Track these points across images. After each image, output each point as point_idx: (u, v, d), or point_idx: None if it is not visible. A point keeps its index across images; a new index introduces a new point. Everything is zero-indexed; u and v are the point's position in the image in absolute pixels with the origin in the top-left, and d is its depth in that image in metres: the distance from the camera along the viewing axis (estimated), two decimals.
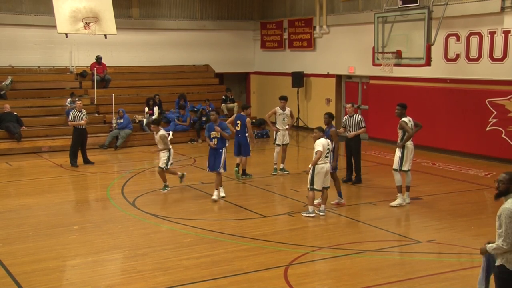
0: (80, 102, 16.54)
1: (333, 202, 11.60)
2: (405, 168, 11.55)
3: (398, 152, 11.59)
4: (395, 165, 11.59)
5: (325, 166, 10.69)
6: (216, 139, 12.17)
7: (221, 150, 12.18)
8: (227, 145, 12.39)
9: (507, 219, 5.63)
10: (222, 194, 12.34)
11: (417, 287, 7.65)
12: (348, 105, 13.58)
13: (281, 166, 14.70)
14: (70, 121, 16.02)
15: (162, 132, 12.94)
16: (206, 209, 11.60)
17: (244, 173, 14.24)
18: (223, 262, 8.57)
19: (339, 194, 11.72)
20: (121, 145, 18.97)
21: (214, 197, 12.09)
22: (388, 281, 7.78)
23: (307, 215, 10.78)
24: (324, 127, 11.39)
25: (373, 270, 8.29)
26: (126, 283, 7.86)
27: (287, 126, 14.72)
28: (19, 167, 16.43)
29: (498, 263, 5.80)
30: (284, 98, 14.92)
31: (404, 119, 11.65)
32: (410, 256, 8.91)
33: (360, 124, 13.21)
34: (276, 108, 14.83)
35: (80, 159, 16.21)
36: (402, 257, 9.00)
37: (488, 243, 5.92)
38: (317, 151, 10.52)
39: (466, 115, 16.70)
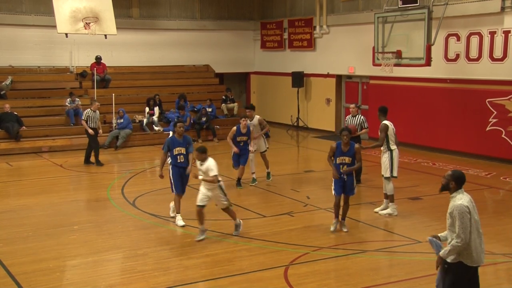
0: (98, 103, 16.46)
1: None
2: (395, 173, 11.01)
3: (385, 158, 11.01)
4: (386, 172, 10.94)
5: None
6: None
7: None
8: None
9: (460, 215, 5.69)
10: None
11: (417, 287, 7.66)
12: (352, 105, 13.52)
13: (268, 169, 14.04)
14: (83, 119, 16.01)
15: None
16: (206, 209, 11.54)
17: (238, 182, 13.42)
18: (223, 262, 8.57)
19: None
20: (121, 145, 18.97)
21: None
22: (388, 281, 7.78)
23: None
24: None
25: (373, 270, 8.30)
26: (126, 283, 7.87)
27: (257, 134, 13.66)
28: (19, 167, 16.43)
29: (453, 260, 5.78)
30: (250, 107, 14.20)
31: (386, 122, 11.24)
32: (410, 256, 8.91)
33: (363, 125, 13.17)
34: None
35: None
36: (402, 257, 8.99)
37: (434, 237, 5.97)
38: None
39: (466, 115, 16.70)
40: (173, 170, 10.43)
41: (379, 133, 11.21)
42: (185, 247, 9.23)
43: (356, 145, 9.89)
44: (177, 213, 10.46)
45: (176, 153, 10.39)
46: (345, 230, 9.99)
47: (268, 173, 14.03)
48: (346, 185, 9.91)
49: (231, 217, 9.86)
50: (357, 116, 13.23)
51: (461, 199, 5.79)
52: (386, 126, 11.06)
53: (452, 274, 5.83)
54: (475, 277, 5.93)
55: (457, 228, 5.67)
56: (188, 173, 10.46)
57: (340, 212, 10.05)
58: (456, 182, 5.87)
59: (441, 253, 5.80)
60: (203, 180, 9.37)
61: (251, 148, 13.15)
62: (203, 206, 9.56)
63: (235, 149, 12.87)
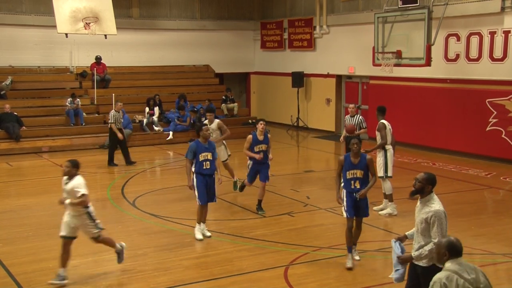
0: (120, 104, 16.38)
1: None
2: (390, 173, 11.00)
3: (379, 158, 10.99)
4: (380, 172, 10.81)
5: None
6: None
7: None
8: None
9: (439, 220, 5.61)
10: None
11: None
12: (351, 105, 13.45)
13: (234, 179, 12.76)
14: (111, 122, 15.92)
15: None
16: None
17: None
18: (223, 262, 8.57)
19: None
20: None
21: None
22: (388, 281, 7.77)
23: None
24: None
25: (373, 270, 8.30)
26: (126, 283, 7.87)
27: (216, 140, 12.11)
28: (19, 167, 16.43)
29: (426, 264, 5.74)
30: (210, 111, 13.03)
31: (383, 121, 11.27)
32: None
33: (361, 125, 13.14)
34: (205, 121, 12.71)
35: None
36: None
37: (398, 240, 5.98)
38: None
39: (466, 115, 16.70)
40: (197, 178, 9.49)
41: (377, 133, 11.23)
42: (185, 247, 9.23)
43: (368, 156, 8.48)
44: (198, 223, 9.69)
45: (202, 159, 9.48)
46: (357, 258, 8.53)
47: (235, 183, 12.70)
48: (359, 205, 8.42)
49: (108, 245, 8.26)
50: (356, 116, 13.17)
51: (438, 204, 5.70)
52: (384, 125, 11.12)
53: (425, 278, 5.77)
54: None
55: (436, 234, 5.58)
56: (220, 182, 9.88)
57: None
58: (432, 185, 5.73)
59: (414, 255, 5.73)
60: (70, 204, 7.79)
61: (270, 155, 11.23)
62: (68, 238, 7.74)
63: (257, 155, 10.84)
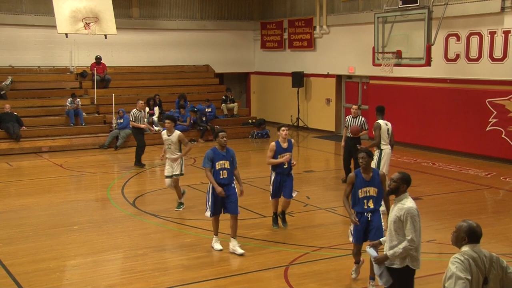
0: (142, 102, 16.32)
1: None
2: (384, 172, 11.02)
3: (375, 158, 10.84)
4: None
5: None
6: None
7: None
8: None
9: (411, 218, 5.65)
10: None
11: (417, 287, 7.63)
12: (354, 106, 13.35)
13: (179, 200, 11.55)
14: (132, 121, 15.89)
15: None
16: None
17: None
18: (223, 262, 8.57)
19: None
20: (121, 145, 18.97)
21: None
22: None
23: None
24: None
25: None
26: (126, 283, 7.87)
27: (177, 155, 11.33)
28: (19, 167, 16.43)
29: (400, 265, 5.78)
30: (169, 118, 11.58)
31: (380, 121, 11.26)
32: None
33: (363, 126, 13.07)
34: (162, 132, 11.68)
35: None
36: None
37: (372, 246, 6.11)
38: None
39: (466, 115, 16.70)
40: (213, 188, 8.84)
41: (373, 132, 11.24)
42: (185, 247, 9.23)
43: (381, 172, 7.65)
44: (215, 235, 9.09)
45: (219, 167, 8.81)
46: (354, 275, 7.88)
47: (180, 203, 11.47)
48: (370, 228, 7.37)
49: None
50: (358, 117, 13.14)
51: (411, 202, 5.75)
52: (379, 125, 11.14)
53: (399, 280, 5.85)
54: (413, 280, 5.99)
55: (409, 232, 5.63)
56: (241, 194, 9.00)
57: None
58: (407, 184, 5.79)
59: (389, 254, 5.77)
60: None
61: (294, 161, 10.09)
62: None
63: (283, 158, 9.72)
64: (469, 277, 4.39)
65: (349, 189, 7.43)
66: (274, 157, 9.74)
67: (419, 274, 7.93)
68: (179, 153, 11.35)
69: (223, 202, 8.87)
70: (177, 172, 11.42)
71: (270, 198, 10.11)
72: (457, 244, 4.66)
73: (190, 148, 11.62)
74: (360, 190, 7.33)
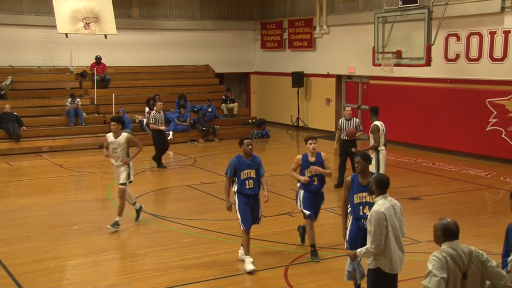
0: (161, 103, 16.04)
1: None
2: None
3: (373, 161, 10.83)
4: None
5: None
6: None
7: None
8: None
9: (376, 221, 5.67)
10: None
11: (417, 287, 7.65)
12: (348, 108, 13.19)
13: (117, 218, 10.07)
14: (151, 123, 15.67)
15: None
16: (206, 209, 11.59)
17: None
18: (223, 262, 8.57)
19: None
20: None
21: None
22: None
23: None
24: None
25: None
26: (126, 283, 7.87)
27: (124, 160, 10.07)
28: (19, 167, 16.43)
29: (372, 266, 5.88)
30: (115, 120, 10.28)
31: (377, 123, 11.21)
32: (410, 256, 8.89)
33: (358, 128, 12.90)
34: (107, 135, 10.42)
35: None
36: None
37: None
38: None
39: (466, 115, 16.70)
40: (239, 199, 8.23)
41: (370, 134, 11.22)
42: (185, 247, 9.23)
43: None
44: (246, 255, 8.27)
45: (244, 177, 8.18)
46: None
47: (116, 222, 10.03)
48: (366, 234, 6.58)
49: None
50: (352, 119, 12.90)
51: (380, 205, 5.76)
52: (378, 127, 11.09)
53: (370, 281, 5.95)
54: (393, 284, 5.98)
55: (372, 234, 5.68)
56: (266, 199, 8.39)
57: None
58: (378, 185, 5.81)
59: (358, 251, 5.97)
60: None
61: (329, 170, 8.92)
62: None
63: (302, 178, 8.58)
64: (445, 275, 4.47)
65: (346, 194, 7.20)
66: (301, 171, 8.62)
67: (419, 274, 7.94)
68: (126, 158, 10.09)
69: (251, 213, 8.29)
70: (123, 181, 10.06)
71: (308, 218, 8.60)
72: (438, 243, 4.71)
73: (141, 149, 10.37)
74: (355, 196, 7.02)
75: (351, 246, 7.00)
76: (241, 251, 8.49)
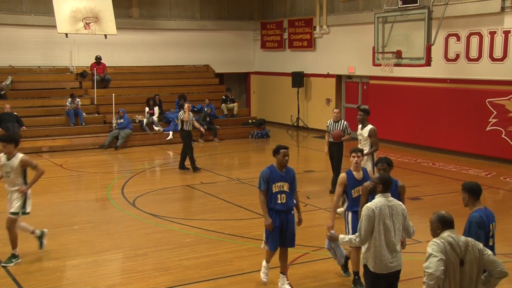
0: (188, 104, 15.76)
1: None
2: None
3: (368, 163, 10.60)
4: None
5: None
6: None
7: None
8: None
9: (364, 216, 5.73)
10: None
11: (417, 287, 7.65)
12: (336, 110, 12.60)
13: (13, 251, 8.56)
14: (182, 118, 15.19)
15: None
16: (206, 209, 11.60)
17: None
18: (223, 262, 8.57)
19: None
20: (121, 145, 18.97)
21: None
22: None
23: None
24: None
25: None
26: (126, 283, 7.87)
27: (18, 186, 8.41)
28: None
29: (362, 262, 6.02)
30: (5, 140, 8.39)
31: (373, 126, 10.93)
32: (410, 256, 8.90)
33: (346, 131, 12.38)
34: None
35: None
36: (402, 257, 8.97)
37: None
38: None
39: (466, 115, 16.70)
40: (269, 215, 7.36)
41: (366, 136, 10.97)
42: (185, 247, 9.23)
43: (400, 183, 7.41)
44: (267, 262, 7.64)
45: (276, 190, 7.30)
46: None
47: (12, 256, 8.49)
48: None
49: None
50: (340, 121, 12.43)
51: (375, 202, 5.79)
52: (376, 130, 10.97)
53: (364, 278, 6.07)
54: (390, 284, 5.98)
55: (359, 228, 5.77)
56: (299, 223, 7.59)
57: None
58: (383, 184, 5.85)
59: (341, 237, 6.11)
60: None
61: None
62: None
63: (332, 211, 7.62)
64: (443, 257, 4.78)
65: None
66: (347, 191, 7.55)
67: (419, 274, 7.95)
68: (21, 184, 8.44)
69: (282, 232, 7.41)
70: (15, 210, 8.40)
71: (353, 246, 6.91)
72: (435, 235, 5.05)
73: (41, 174, 8.58)
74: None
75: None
76: (280, 280, 7.55)
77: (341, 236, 6.14)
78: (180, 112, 15.61)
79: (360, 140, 11.20)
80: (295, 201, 7.48)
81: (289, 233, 7.43)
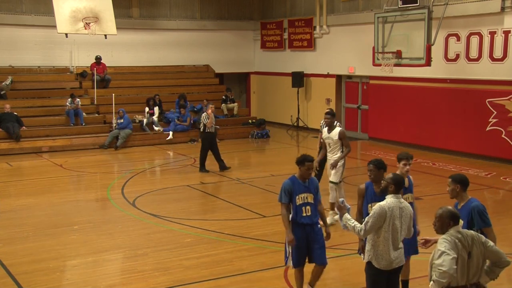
0: (212, 106, 15.42)
1: None
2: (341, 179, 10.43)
3: (340, 165, 10.37)
4: (337, 178, 10.33)
5: None
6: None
7: None
8: None
9: (376, 213, 5.74)
10: None
11: (417, 287, 7.65)
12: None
13: None
14: (205, 122, 14.78)
15: None
16: (206, 209, 11.60)
17: None
18: (223, 262, 8.57)
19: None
20: (121, 145, 18.97)
21: None
22: None
23: None
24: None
25: None
26: (126, 283, 7.87)
27: None
28: (19, 167, 16.43)
29: (366, 259, 5.98)
30: None
31: (342, 128, 10.57)
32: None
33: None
34: None
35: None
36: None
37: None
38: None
39: (466, 115, 16.70)
40: (292, 229, 6.88)
41: (338, 140, 10.33)
42: (185, 247, 9.23)
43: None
44: (309, 283, 7.22)
45: (300, 202, 6.86)
46: None
47: None
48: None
49: None
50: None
51: (388, 202, 5.82)
52: (345, 132, 10.59)
53: (366, 275, 6.09)
54: (388, 281, 6.00)
55: (366, 222, 5.76)
56: (328, 237, 7.10)
57: None
58: (396, 185, 5.88)
59: (347, 217, 5.87)
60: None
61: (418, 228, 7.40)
62: None
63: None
64: (456, 256, 4.92)
65: (360, 203, 6.72)
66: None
67: (419, 274, 7.96)
68: None
69: (309, 248, 6.90)
70: None
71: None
72: (443, 231, 5.12)
73: None
74: (369, 205, 6.53)
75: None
76: None
77: (347, 215, 5.86)
78: (203, 116, 15.03)
79: (329, 143, 10.55)
80: (320, 213, 7.04)
81: (318, 247, 6.93)
